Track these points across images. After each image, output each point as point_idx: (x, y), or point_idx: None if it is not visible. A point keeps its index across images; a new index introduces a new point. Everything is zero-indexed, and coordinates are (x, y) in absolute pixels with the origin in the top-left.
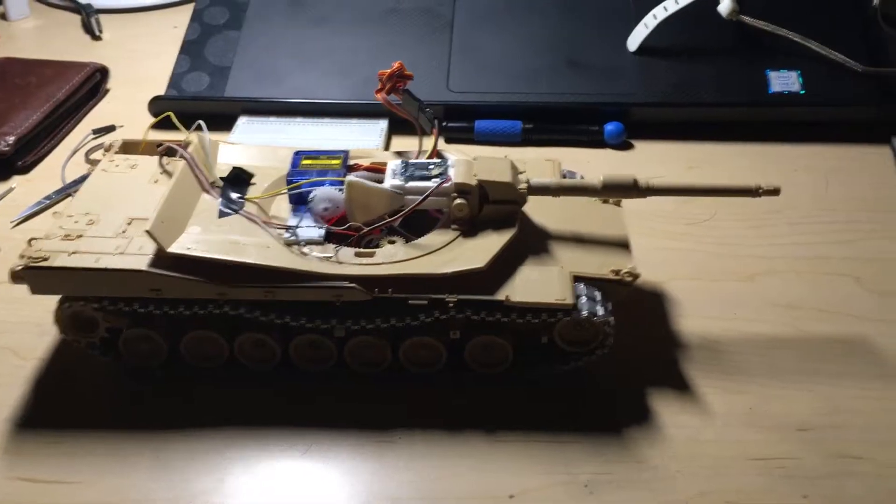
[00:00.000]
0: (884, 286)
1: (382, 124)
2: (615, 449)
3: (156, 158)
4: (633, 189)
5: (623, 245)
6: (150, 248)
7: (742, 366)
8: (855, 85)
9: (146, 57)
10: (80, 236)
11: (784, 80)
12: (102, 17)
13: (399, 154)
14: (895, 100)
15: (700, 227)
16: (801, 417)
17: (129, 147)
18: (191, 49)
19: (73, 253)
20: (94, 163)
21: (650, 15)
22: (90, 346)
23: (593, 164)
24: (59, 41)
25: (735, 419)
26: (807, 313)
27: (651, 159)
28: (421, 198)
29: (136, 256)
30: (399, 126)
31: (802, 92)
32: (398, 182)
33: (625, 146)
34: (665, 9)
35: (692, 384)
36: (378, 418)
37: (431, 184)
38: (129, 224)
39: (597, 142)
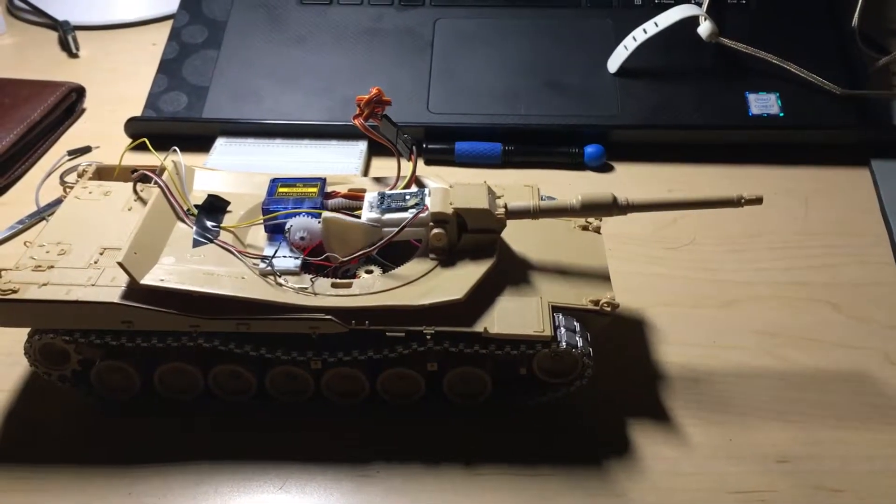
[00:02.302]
0: (861, 312)
1: (362, 146)
2: (595, 482)
3: (130, 184)
4: (612, 207)
5: (603, 274)
6: (121, 279)
7: (722, 395)
8: (833, 107)
9: (124, 75)
10: (52, 267)
11: (763, 103)
12: (80, 34)
13: (377, 181)
14: (873, 122)
15: (680, 252)
16: (780, 448)
17: (103, 173)
18: (168, 68)
19: (44, 285)
20: (68, 185)
21: (630, 37)
22: (61, 379)
23: (573, 186)
24: (36, 59)
25: (714, 451)
26: (786, 340)
27: (631, 182)
28: (396, 230)
29: (108, 288)
30: (378, 148)
31: (781, 114)
32: (375, 215)
33: (605, 168)
34: (645, 31)
35: (672, 414)
36: (356, 452)
37: (408, 215)
38: (101, 254)
39: (577, 164)
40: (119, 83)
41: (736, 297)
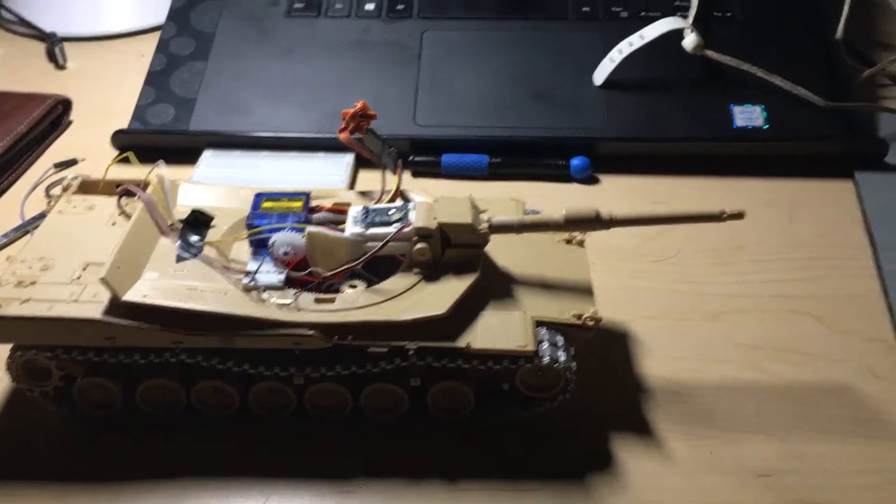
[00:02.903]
0: (845, 325)
1: (348, 158)
2: (577, 498)
3: (114, 199)
4: (596, 221)
5: (586, 288)
6: (104, 294)
7: (706, 409)
8: (818, 119)
9: (111, 87)
10: (34, 283)
11: (748, 115)
12: (67, 45)
13: (362, 194)
14: (857, 134)
15: (665, 265)
16: (763, 463)
17: (87, 187)
18: (156, 80)
19: (26, 301)
20: (54, 199)
21: (616, 49)
22: (43, 395)
23: (559, 198)
24: (23, 70)
25: (697, 465)
26: (770, 353)
27: (617, 194)
28: (380, 244)
29: (91, 304)
30: (365, 160)
31: (766, 126)
32: (358, 229)
33: (591, 181)
34: (630, 44)
35: (655, 428)
36: (339, 467)
37: (391, 229)
38: (84, 269)
39: (563, 176)
40: (106, 95)
41: (721, 310)
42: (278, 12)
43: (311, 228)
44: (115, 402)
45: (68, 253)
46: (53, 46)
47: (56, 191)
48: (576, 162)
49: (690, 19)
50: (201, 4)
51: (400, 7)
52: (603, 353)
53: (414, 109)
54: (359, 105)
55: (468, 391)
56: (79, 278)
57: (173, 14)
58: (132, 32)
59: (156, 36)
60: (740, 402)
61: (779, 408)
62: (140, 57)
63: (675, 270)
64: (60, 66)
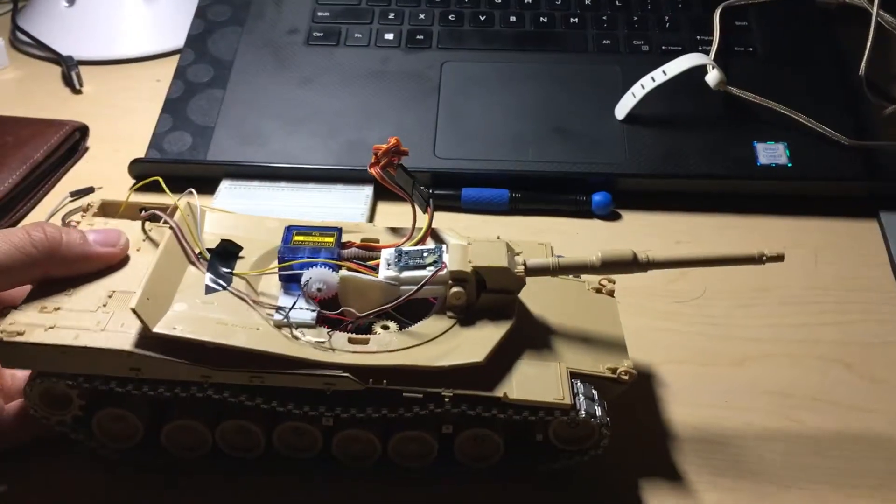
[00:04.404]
0: (874, 372)
1: (368, 191)
2: None
3: (136, 223)
4: (633, 264)
5: (618, 339)
6: (131, 324)
7: (734, 458)
8: (841, 158)
9: (127, 112)
10: (58, 308)
11: (771, 153)
12: (84, 69)
13: (392, 230)
14: (882, 173)
15: (690, 306)
16: None
17: (108, 209)
18: (173, 108)
19: (51, 328)
20: (72, 224)
21: (638, 84)
22: (60, 424)
23: (581, 234)
24: (39, 94)
25: None
26: (799, 402)
27: (639, 231)
28: (415, 288)
29: (118, 334)
30: (384, 193)
31: (790, 165)
32: (392, 273)
33: (613, 217)
34: (653, 79)
35: (683, 479)
36: None
37: (426, 273)
38: (110, 297)
39: (584, 212)
40: (122, 121)
41: (747, 355)
42: (297, 40)
43: (344, 273)
44: (136, 436)
45: (92, 278)
46: (69, 70)
47: (75, 218)
48: (597, 198)
49: (712, 55)
50: (220, 31)
51: (420, 37)
52: (629, 398)
53: (434, 141)
54: (392, 141)
55: (499, 440)
56: (105, 306)
57: (191, 40)
58: (148, 57)
59: (172, 60)
60: (769, 452)
61: (808, 459)
62: (156, 82)
63: (700, 312)
64: (76, 91)
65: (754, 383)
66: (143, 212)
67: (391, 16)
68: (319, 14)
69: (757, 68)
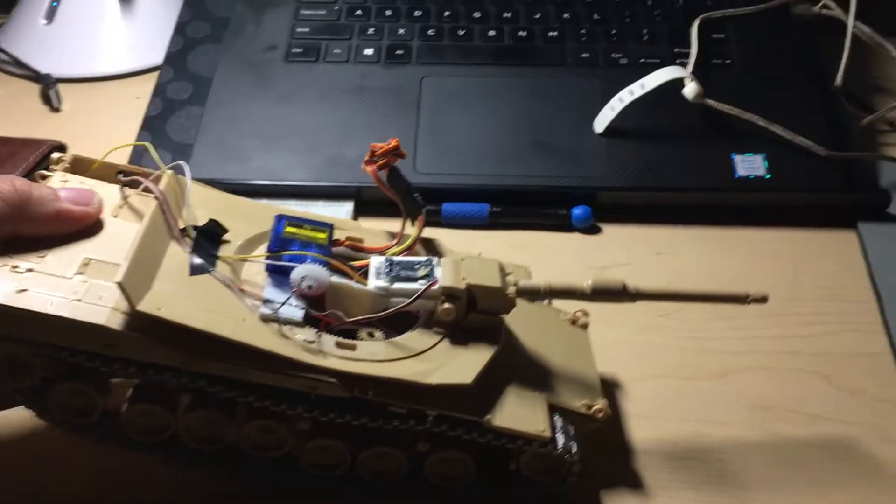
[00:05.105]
0: (853, 384)
1: (348, 207)
2: None
3: (111, 187)
4: (623, 294)
5: (592, 375)
6: (110, 297)
7: (715, 473)
8: (819, 169)
9: (107, 130)
10: (31, 270)
11: (749, 164)
12: (63, 87)
13: (379, 234)
14: (859, 184)
15: (671, 319)
16: None
17: (79, 165)
18: (153, 125)
19: (23, 290)
20: (43, 175)
21: (616, 98)
22: (18, 392)
23: (561, 248)
24: (17, 113)
25: None
26: (778, 414)
27: (619, 244)
28: (407, 301)
29: (96, 307)
30: (365, 208)
31: (768, 176)
32: (382, 283)
33: (593, 230)
34: (631, 92)
35: (662, 494)
36: None
37: (418, 286)
38: (86, 265)
39: (565, 226)
40: (102, 139)
41: (727, 368)
42: (277, 57)
43: (334, 279)
44: (94, 412)
45: (64, 241)
46: (48, 88)
47: (47, 172)
48: (577, 212)
49: (690, 68)
50: (199, 47)
51: (399, 52)
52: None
53: (414, 156)
54: (393, 142)
55: (470, 462)
56: (81, 274)
57: (170, 58)
58: (128, 74)
59: (151, 77)
60: (749, 466)
61: (789, 473)
62: (135, 99)
63: (681, 325)
64: (55, 109)
65: (734, 397)
66: (123, 175)
67: (370, 31)
68: (298, 30)
69: (735, 80)
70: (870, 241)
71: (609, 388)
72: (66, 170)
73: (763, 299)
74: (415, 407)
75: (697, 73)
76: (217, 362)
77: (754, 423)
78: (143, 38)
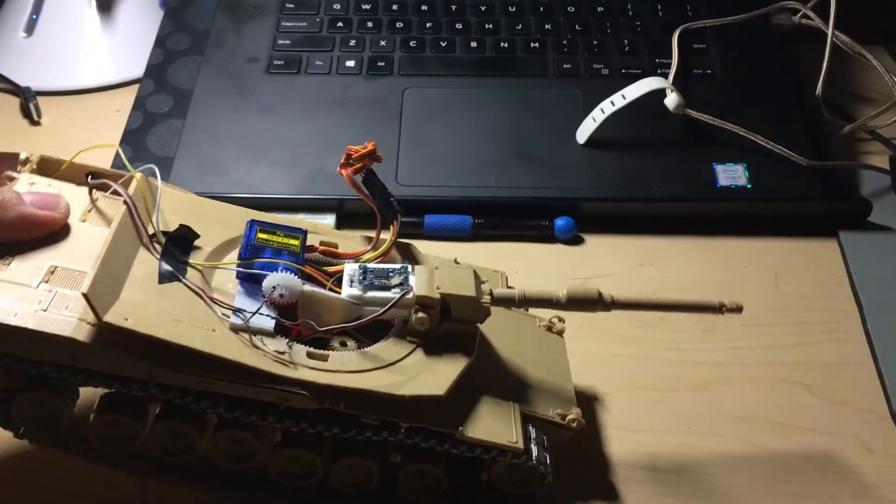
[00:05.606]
0: (835, 394)
1: (330, 219)
2: None
3: (80, 189)
4: (598, 303)
5: (566, 384)
6: (76, 307)
7: (698, 486)
8: (800, 178)
9: (86, 144)
10: None
11: (731, 174)
12: (42, 100)
13: (354, 238)
14: (840, 193)
15: (652, 330)
16: None
17: (47, 166)
18: (133, 138)
19: None
20: (13, 180)
21: (598, 108)
22: None
23: (544, 259)
24: None
25: None
26: (762, 426)
27: (602, 255)
28: (381, 310)
29: (62, 318)
30: (347, 221)
31: (749, 186)
32: (356, 292)
33: (576, 241)
34: (613, 103)
35: None
36: None
37: (392, 294)
38: (52, 273)
39: (547, 237)
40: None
41: (709, 380)
42: (258, 69)
43: (307, 288)
44: (59, 423)
45: (29, 247)
46: (27, 101)
47: (13, 174)
48: (560, 223)
49: (671, 78)
50: (179, 60)
51: (381, 64)
52: (590, 426)
53: (396, 168)
54: (370, 146)
55: (441, 474)
56: (46, 282)
57: (150, 70)
58: (108, 86)
59: (132, 90)
60: (732, 479)
61: (773, 486)
62: (115, 112)
63: (663, 336)
64: (35, 122)
65: (717, 408)
66: (91, 177)
67: (352, 43)
68: (280, 42)
69: (715, 90)
70: (850, 250)
71: (589, 400)
72: (33, 171)
73: (738, 309)
74: (387, 419)
75: (678, 84)
76: (186, 374)
77: (738, 435)
78: (123, 51)
